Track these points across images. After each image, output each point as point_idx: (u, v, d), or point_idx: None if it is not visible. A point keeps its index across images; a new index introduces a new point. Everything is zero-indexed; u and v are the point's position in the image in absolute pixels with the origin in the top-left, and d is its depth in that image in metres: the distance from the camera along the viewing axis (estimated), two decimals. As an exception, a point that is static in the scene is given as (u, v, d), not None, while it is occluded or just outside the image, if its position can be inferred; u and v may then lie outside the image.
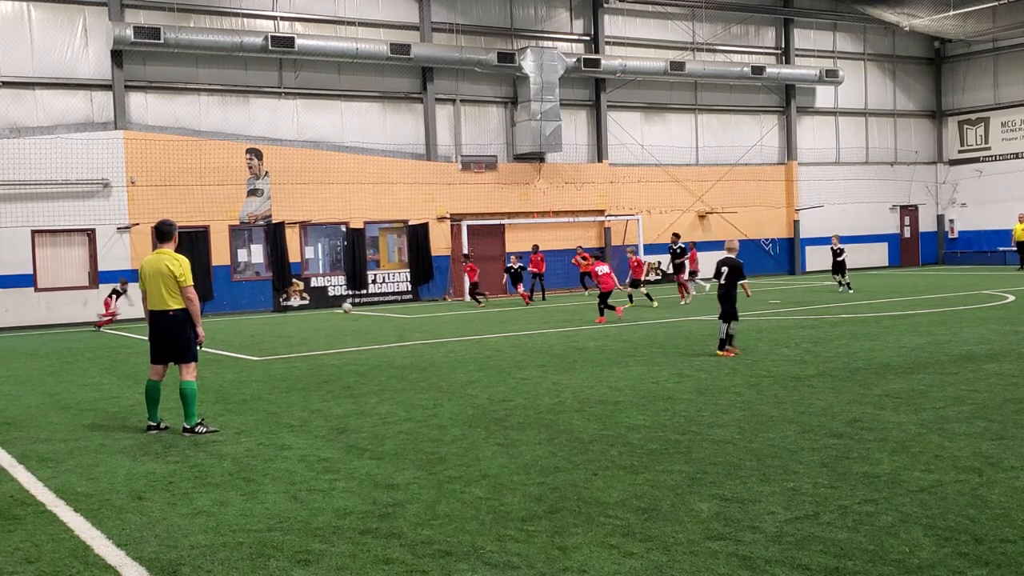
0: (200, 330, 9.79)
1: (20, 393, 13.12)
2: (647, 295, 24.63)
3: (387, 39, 30.02)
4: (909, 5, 36.83)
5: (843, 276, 27.11)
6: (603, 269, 21.73)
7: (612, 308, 21.20)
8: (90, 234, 26.09)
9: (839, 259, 27.23)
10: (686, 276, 26.28)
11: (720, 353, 14.20)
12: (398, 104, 30.94)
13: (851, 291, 26.34)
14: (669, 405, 10.27)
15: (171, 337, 9.67)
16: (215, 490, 7.32)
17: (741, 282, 14.37)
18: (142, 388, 11.27)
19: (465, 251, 29.66)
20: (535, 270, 29.14)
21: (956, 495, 6.48)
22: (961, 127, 42.32)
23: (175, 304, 9.62)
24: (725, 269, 14.46)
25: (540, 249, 29.88)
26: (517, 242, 32.07)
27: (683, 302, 24.83)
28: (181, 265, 9.63)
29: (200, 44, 26.92)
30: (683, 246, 27.18)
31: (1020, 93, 39.93)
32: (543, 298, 29.04)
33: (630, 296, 24.74)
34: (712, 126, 37.16)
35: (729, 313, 14.30)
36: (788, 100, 38.35)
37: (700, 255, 35.75)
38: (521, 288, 27.81)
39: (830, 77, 38.03)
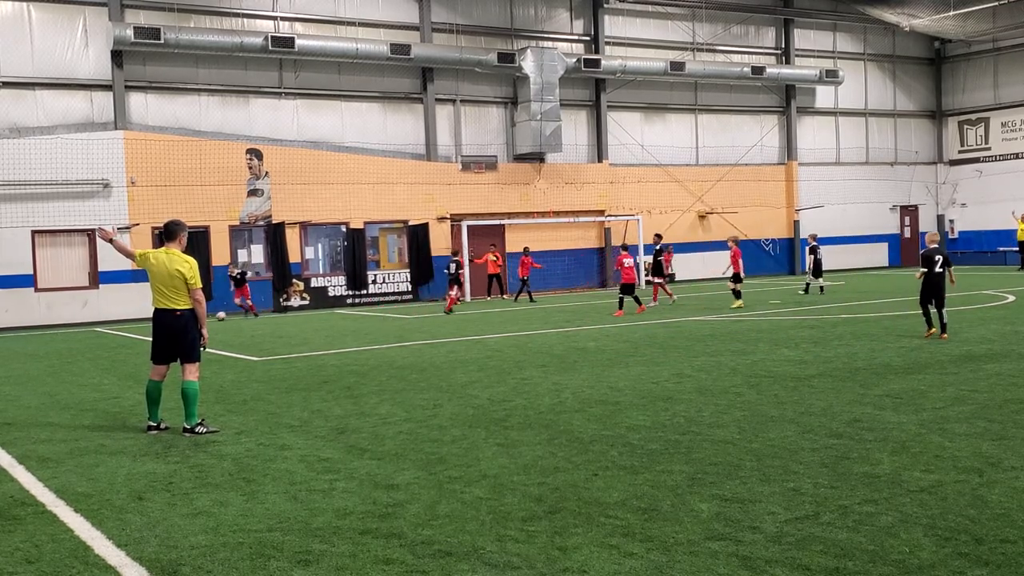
0: (205, 331, 9.81)
1: (20, 393, 13.12)
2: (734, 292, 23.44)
3: (387, 39, 30.03)
4: (909, 5, 36.84)
5: (819, 277, 26.71)
6: (629, 261, 22.45)
7: (637, 302, 22.46)
8: (90, 234, 26.08)
9: (819, 258, 27.00)
10: (661, 278, 25.66)
11: (930, 335, 15.33)
12: (398, 104, 30.94)
13: (804, 294, 26.20)
14: (669, 405, 10.27)
15: (177, 337, 9.68)
16: (215, 490, 7.32)
17: (950, 268, 15.62)
18: (142, 388, 11.28)
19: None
20: (497, 271, 29.77)
21: (956, 495, 6.47)
22: (961, 127, 42.33)
23: (182, 304, 9.64)
24: (939, 258, 15.50)
25: (495, 251, 30.18)
26: (518, 242, 32.08)
27: (653, 304, 24.37)
28: (192, 267, 9.67)
29: (200, 44, 26.92)
30: (662, 247, 26.37)
31: (1020, 93, 39.94)
32: (502, 297, 29.32)
33: (736, 292, 23.18)
34: (712, 126, 37.17)
35: (941, 300, 15.45)
36: (788, 100, 38.35)
37: (703, 255, 35.94)
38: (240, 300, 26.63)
39: (830, 77, 38.04)
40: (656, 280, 25.53)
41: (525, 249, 29.40)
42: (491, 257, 30.29)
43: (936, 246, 15.84)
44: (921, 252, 16.15)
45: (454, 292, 25.89)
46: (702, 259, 35.87)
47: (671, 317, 21.18)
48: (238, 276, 26.40)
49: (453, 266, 26.39)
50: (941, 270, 15.52)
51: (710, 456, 7.84)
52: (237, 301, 26.51)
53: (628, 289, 22.09)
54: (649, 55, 34.90)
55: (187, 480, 7.68)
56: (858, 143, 40.85)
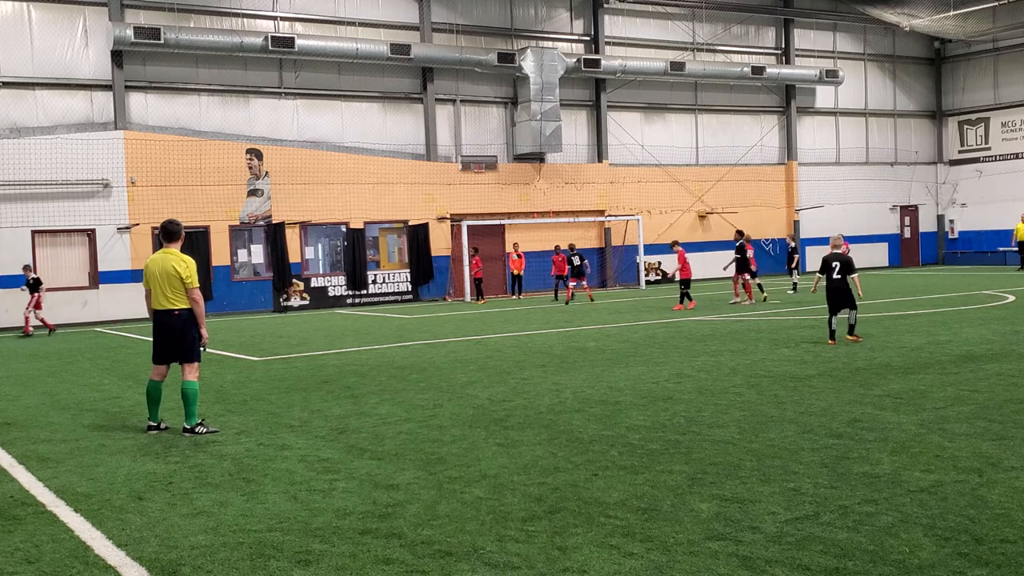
0: (204, 331, 9.80)
1: (20, 393, 13.12)
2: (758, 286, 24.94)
3: (387, 39, 30.03)
4: (909, 5, 36.83)
5: (796, 275, 27.57)
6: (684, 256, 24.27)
7: (689, 297, 23.53)
8: (90, 234, 26.10)
9: (796, 255, 27.77)
10: (748, 276, 24.58)
11: (831, 342, 14.86)
12: (398, 104, 30.94)
13: (793, 292, 26.85)
14: (669, 405, 10.26)
15: (176, 337, 9.67)
16: (215, 490, 7.32)
17: (852, 276, 15.09)
18: (142, 388, 11.29)
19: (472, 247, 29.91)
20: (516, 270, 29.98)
21: (956, 495, 6.47)
22: (961, 127, 42.33)
23: (180, 304, 9.63)
24: (837, 264, 15.06)
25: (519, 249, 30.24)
26: (518, 242, 32.08)
27: (738, 301, 24.18)
28: (188, 267, 9.64)
29: (200, 44, 26.92)
30: (744, 243, 25.32)
31: (1020, 93, 39.94)
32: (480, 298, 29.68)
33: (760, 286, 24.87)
34: (712, 126, 37.17)
35: (851, 305, 15.02)
36: (788, 100, 38.35)
37: (703, 255, 35.90)
38: None
39: (830, 77, 38.04)
40: (744, 278, 24.65)
41: (556, 248, 29.32)
42: (514, 256, 30.29)
43: (838, 251, 15.25)
44: (823, 257, 15.45)
45: (584, 282, 27.30)
46: (702, 259, 35.82)
47: (671, 317, 21.19)
48: (32, 282, 22.84)
49: (576, 259, 27.38)
50: (839, 276, 14.89)
51: (710, 456, 7.84)
52: (26, 313, 22.98)
53: (687, 283, 23.78)
54: (649, 55, 34.90)
55: (187, 480, 7.68)
56: (858, 143, 40.85)
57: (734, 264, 24.54)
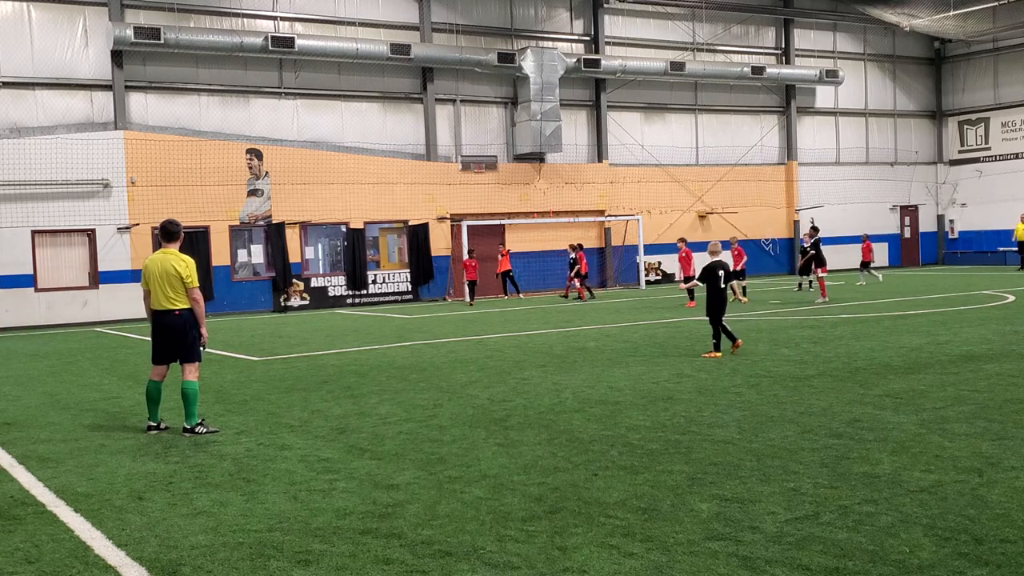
0: (204, 331, 9.80)
1: (20, 393, 13.12)
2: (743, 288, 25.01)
3: (387, 39, 30.04)
4: (909, 5, 36.84)
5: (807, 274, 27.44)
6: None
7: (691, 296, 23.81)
8: (90, 234, 26.10)
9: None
10: (822, 273, 24.22)
11: (738, 347, 14.37)
12: (398, 104, 30.94)
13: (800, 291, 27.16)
14: (669, 405, 10.27)
15: (177, 337, 9.67)
16: (215, 490, 7.32)
17: (732, 283, 14.43)
18: (142, 388, 11.29)
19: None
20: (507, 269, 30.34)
21: (956, 495, 6.47)
22: (961, 127, 42.34)
23: (181, 304, 9.63)
24: (722, 273, 14.58)
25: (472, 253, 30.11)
26: (517, 242, 32.10)
27: (823, 300, 23.33)
28: (188, 266, 9.65)
29: (200, 44, 26.93)
30: (819, 240, 25.01)
31: (1020, 93, 39.94)
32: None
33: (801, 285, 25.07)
34: (712, 126, 37.17)
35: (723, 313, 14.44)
36: (788, 100, 38.35)
37: (703, 256, 35.91)
38: None
39: (830, 77, 38.05)
40: (821, 275, 24.19)
41: (580, 246, 28.89)
42: (498, 257, 30.46)
43: (719, 259, 14.71)
44: (704, 265, 14.67)
45: (576, 282, 28.10)
46: (702, 259, 35.79)
47: (671, 317, 21.19)
48: None
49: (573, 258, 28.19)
50: (724, 286, 14.38)
51: (710, 456, 7.84)
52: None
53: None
54: (649, 55, 34.90)
55: (187, 480, 7.68)
56: (858, 143, 40.86)
57: (815, 261, 24.49)
